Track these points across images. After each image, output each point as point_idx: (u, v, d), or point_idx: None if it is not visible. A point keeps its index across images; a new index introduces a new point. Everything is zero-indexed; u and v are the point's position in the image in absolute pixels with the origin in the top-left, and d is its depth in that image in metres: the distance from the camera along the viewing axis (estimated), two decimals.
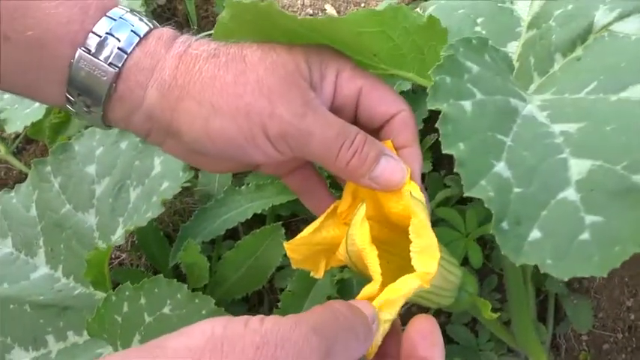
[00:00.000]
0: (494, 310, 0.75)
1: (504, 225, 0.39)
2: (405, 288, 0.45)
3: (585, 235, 0.39)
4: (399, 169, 0.46)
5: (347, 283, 0.79)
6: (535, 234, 0.39)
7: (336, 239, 0.52)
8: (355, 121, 0.50)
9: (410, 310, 0.81)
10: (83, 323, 0.69)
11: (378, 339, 0.43)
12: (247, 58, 0.46)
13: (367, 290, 0.46)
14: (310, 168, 0.55)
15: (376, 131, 0.50)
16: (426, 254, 0.45)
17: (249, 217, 0.80)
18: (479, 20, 0.64)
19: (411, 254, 0.45)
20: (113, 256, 0.86)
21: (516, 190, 0.42)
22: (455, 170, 0.42)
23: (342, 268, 0.74)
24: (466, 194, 0.40)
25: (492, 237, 0.78)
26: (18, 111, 0.86)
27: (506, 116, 0.47)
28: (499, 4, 0.65)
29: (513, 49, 0.63)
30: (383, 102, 0.49)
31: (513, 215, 0.40)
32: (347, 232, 0.49)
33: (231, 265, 0.78)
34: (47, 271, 0.74)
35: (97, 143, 0.77)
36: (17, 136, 1.19)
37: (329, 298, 0.75)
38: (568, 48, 0.56)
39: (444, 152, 0.42)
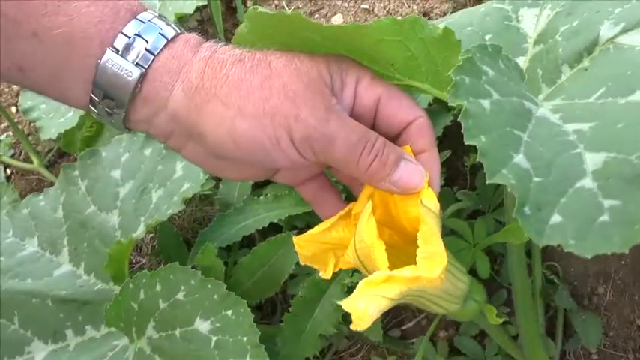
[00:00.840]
0: (502, 323, 0.76)
1: (526, 210, 0.41)
2: (409, 272, 0.47)
3: (604, 217, 0.40)
4: (418, 173, 0.48)
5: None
6: (556, 218, 0.41)
7: (346, 240, 0.53)
8: (374, 128, 0.51)
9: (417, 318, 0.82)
10: (102, 317, 0.72)
11: (374, 314, 0.44)
12: (272, 64, 0.47)
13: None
14: (324, 179, 0.56)
15: (394, 138, 0.51)
16: (432, 260, 0.46)
17: (265, 226, 0.83)
18: (487, 37, 0.67)
19: (417, 259, 0.46)
20: (134, 260, 0.89)
21: (536, 179, 0.43)
22: (478, 159, 0.43)
23: (353, 272, 0.76)
24: (489, 182, 0.42)
25: (501, 251, 0.79)
26: (53, 120, 0.91)
27: (522, 116, 0.49)
28: (506, 22, 0.68)
29: (521, 63, 0.66)
30: (401, 109, 0.50)
31: (534, 202, 0.41)
32: (355, 231, 0.52)
33: (246, 271, 0.80)
34: (70, 268, 0.77)
35: (123, 150, 0.82)
36: (50, 150, 1.25)
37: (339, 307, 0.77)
38: (575, 59, 0.58)
39: (466, 144, 0.44)
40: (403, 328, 0.85)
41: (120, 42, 0.45)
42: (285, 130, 0.45)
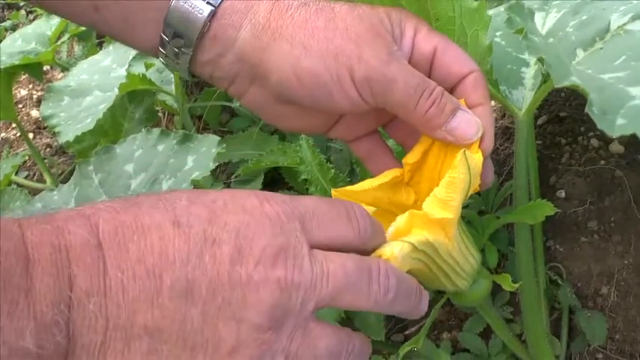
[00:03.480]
0: (506, 320, 0.75)
1: (595, 110, 0.44)
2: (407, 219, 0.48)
3: None
4: (474, 123, 0.49)
5: None
6: (620, 121, 0.44)
7: (380, 202, 0.54)
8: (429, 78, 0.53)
9: (420, 323, 0.81)
10: None
11: (399, 256, 0.45)
12: (336, 9, 0.49)
13: None
14: (378, 136, 0.57)
15: (449, 90, 0.52)
16: (443, 208, 0.47)
17: None
18: (497, 33, 0.71)
19: (430, 199, 0.47)
20: None
21: (593, 95, 0.46)
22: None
23: None
24: (556, 85, 0.47)
25: (505, 250, 0.79)
26: (71, 126, 0.95)
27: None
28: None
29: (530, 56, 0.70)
30: (457, 61, 0.51)
31: (599, 107, 0.45)
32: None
33: None
34: None
35: (137, 147, 0.84)
36: (62, 172, 1.28)
37: None
38: (588, 44, 0.61)
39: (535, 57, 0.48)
40: (406, 333, 0.84)
41: None
42: (347, 69, 0.47)
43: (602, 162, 0.78)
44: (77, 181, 0.84)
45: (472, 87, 0.51)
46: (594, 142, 0.81)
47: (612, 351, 0.75)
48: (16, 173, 1.26)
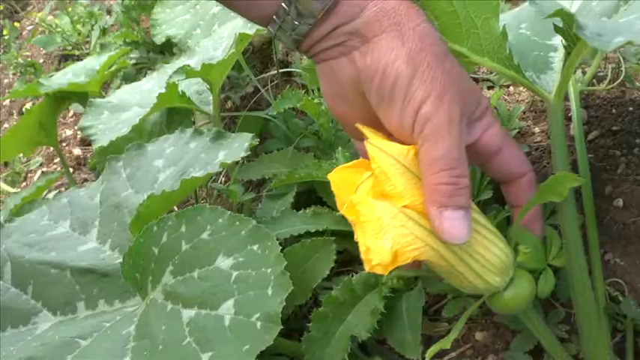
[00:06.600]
0: (560, 340, 0.66)
1: (587, 33, 0.42)
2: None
3: None
4: (465, 231, 0.49)
5: (395, 300, 0.73)
6: (618, 39, 0.41)
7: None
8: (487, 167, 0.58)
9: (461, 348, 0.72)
10: (116, 292, 0.67)
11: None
12: (451, 55, 0.51)
13: None
14: None
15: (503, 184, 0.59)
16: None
17: (302, 233, 0.79)
18: (522, 25, 0.70)
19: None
20: None
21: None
22: None
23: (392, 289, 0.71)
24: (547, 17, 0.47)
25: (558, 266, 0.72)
26: (106, 135, 0.95)
27: None
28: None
29: (557, 42, 0.67)
30: (517, 162, 0.57)
31: (594, 31, 0.43)
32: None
33: None
34: (96, 245, 0.74)
35: (169, 145, 0.83)
36: None
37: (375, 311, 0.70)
38: (613, 10, 0.59)
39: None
40: (445, 359, 0.75)
41: None
42: (425, 94, 0.47)
43: None
44: (105, 176, 0.82)
45: (528, 187, 0.57)
46: None
47: None
48: None
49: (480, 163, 0.58)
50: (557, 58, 0.65)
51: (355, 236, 0.51)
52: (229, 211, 0.58)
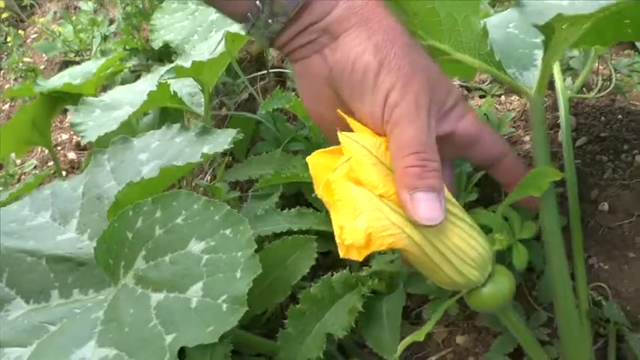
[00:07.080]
0: (541, 342, 0.65)
1: (527, 9, 0.41)
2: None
3: None
4: (439, 213, 0.49)
5: (376, 301, 0.72)
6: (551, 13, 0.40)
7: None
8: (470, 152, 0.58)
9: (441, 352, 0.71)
10: (91, 281, 0.67)
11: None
12: (420, 47, 0.54)
13: None
14: None
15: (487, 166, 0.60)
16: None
17: (284, 231, 0.78)
18: (511, 24, 0.70)
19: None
20: None
21: None
22: None
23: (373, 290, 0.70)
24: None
25: (544, 267, 0.70)
26: (95, 130, 0.95)
27: None
28: None
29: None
30: (496, 144, 0.58)
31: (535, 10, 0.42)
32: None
33: None
34: (74, 235, 0.73)
35: (155, 139, 0.82)
36: None
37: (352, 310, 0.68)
38: None
39: None
40: None
41: None
42: (392, 83, 0.49)
43: None
44: (90, 169, 0.82)
45: (514, 163, 0.59)
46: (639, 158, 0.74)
47: None
48: None
49: (462, 153, 0.59)
50: (540, 55, 0.65)
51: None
52: (205, 197, 0.57)
